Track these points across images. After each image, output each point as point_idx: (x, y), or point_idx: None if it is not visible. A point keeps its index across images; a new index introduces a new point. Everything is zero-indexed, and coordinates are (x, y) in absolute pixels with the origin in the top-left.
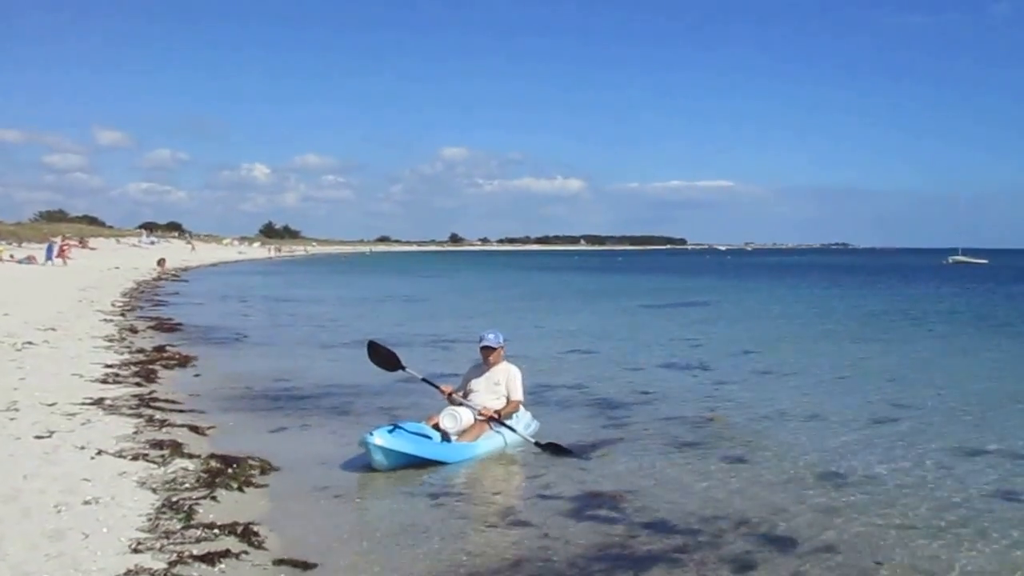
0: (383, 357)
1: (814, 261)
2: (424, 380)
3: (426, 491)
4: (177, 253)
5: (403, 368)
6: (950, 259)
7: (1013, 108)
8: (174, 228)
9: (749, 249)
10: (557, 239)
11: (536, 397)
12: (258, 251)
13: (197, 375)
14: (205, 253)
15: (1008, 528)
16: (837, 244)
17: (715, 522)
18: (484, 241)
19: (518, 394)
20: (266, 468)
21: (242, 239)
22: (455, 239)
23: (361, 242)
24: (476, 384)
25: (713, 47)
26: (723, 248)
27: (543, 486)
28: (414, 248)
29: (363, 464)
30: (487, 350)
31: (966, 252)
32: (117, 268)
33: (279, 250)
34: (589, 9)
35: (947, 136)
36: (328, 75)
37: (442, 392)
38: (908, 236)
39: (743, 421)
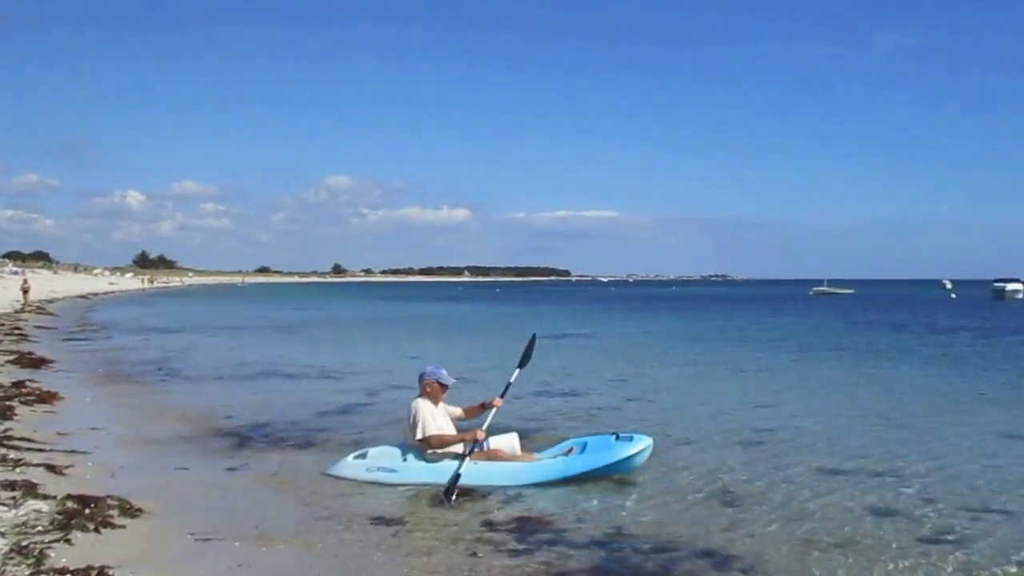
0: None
1: (692, 292)
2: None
3: (319, 531)
4: (44, 284)
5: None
6: (814, 290)
7: (890, 142)
8: (40, 258)
9: (631, 281)
10: (441, 270)
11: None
12: (131, 282)
13: (57, 412)
14: (73, 284)
15: (881, 543)
16: (716, 276)
17: (614, 539)
18: (367, 272)
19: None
20: (127, 508)
21: (114, 269)
22: (337, 270)
23: (240, 272)
24: (442, 418)
25: (599, 77)
26: (606, 279)
27: (456, 514)
28: (295, 279)
29: (243, 506)
30: (446, 388)
31: (831, 283)
32: None
33: (152, 281)
34: (473, 35)
35: (826, 170)
36: (209, 99)
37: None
38: (785, 267)
39: None
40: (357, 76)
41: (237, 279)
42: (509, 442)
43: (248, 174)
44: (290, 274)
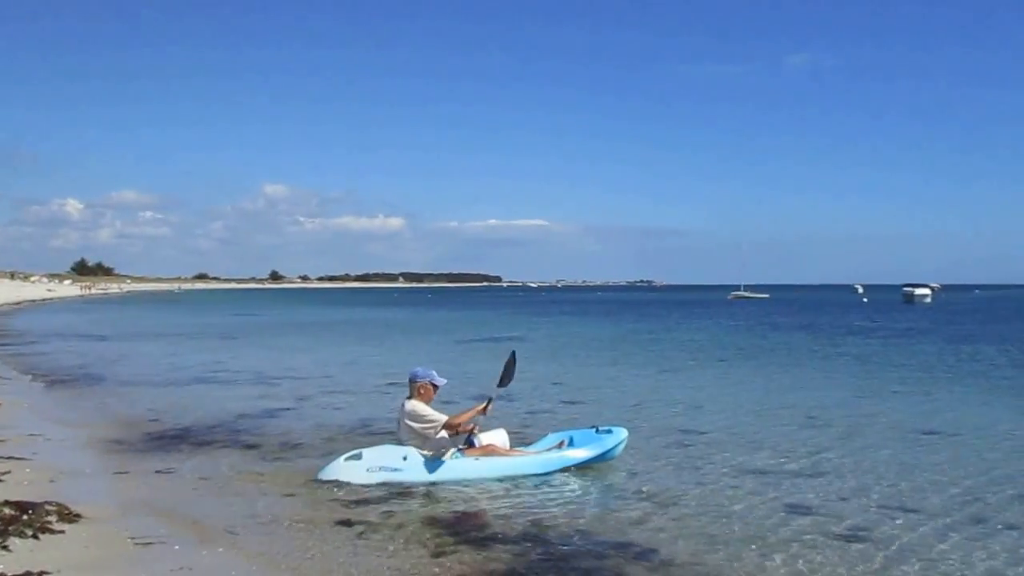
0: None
1: (617, 297)
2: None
3: (262, 533)
4: None
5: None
6: (732, 295)
7: (802, 154)
8: None
9: (560, 286)
10: (377, 276)
11: (366, 428)
12: (69, 289)
13: None
14: (9, 291)
15: (796, 540)
16: (641, 281)
17: (551, 537)
18: (304, 278)
19: None
20: (66, 514)
21: (52, 276)
22: (275, 276)
23: (179, 279)
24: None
25: (529, 94)
26: (535, 285)
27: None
28: (233, 285)
29: (182, 509)
30: (437, 388)
31: (748, 288)
32: None
33: (90, 288)
34: (405, 51)
35: (743, 181)
36: (148, 111)
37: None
38: (705, 273)
39: None
40: (295, 89)
41: (174, 286)
42: (500, 437)
43: (187, 183)
44: (228, 280)
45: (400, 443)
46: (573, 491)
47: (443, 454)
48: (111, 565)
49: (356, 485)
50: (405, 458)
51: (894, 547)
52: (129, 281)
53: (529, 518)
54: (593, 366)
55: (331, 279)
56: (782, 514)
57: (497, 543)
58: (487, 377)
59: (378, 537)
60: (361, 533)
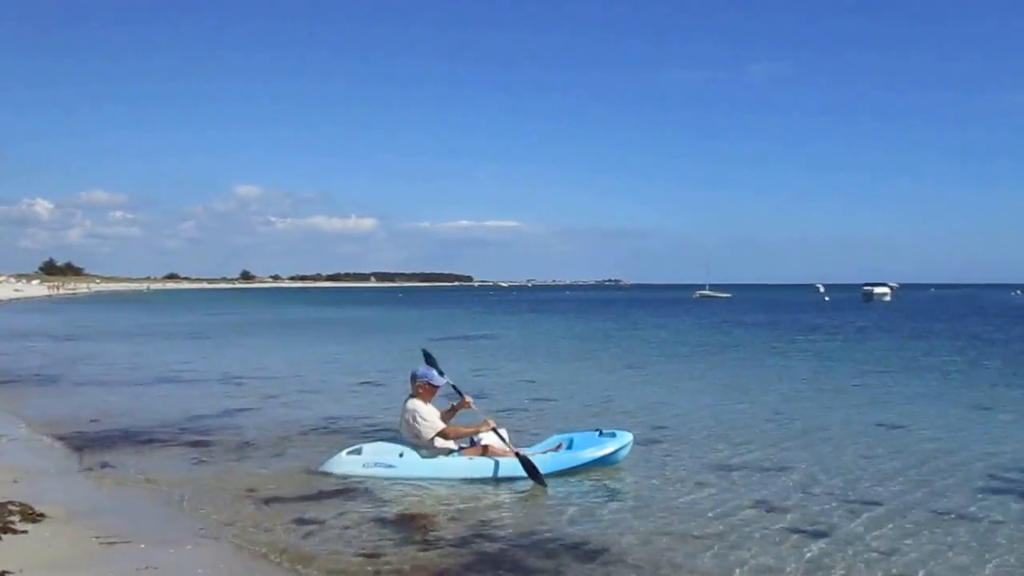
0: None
1: (587, 296)
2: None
3: (224, 533)
4: None
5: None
6: (697, 294)
7: (764, 157)
8: None
9: (530, 286)
10: (348, 276)
11: (330, 426)
12: (37, 289)
13: None
14: None
15: (759, 535)
16: (609, 281)
17: (499, 533)
18: (275, 278)
19: None
20: (29, 513)
21: (20, 276)
22: (246, 276)
23: (149, 279)
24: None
25: (501, 100)
26: (506, 285)
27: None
28: (204, 285)
29: (148, 509)
30: (436, 388)
31: (712, 287)
32: None
33: (58, 288)
34: (377, 57)
35: (706, 183)
36: (120, 109)
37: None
38: (671, 273)
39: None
40: (267, 91)
41: (144, 286)
42: (498, 438)
43: (158, 183)
44: (199, 280)
45: (401, 440)
46: (538, 489)
47: (440, 453)
48: (75, 564)
49: (354, 478)
50: (401, 455)
51: (854, 541)
52: (98, 281)
53: (483, 516)
54: (562, 364)
55: (302, 279)
56: (742, 510)
57: (443, 542)
58: (462, 377)
59: (323, 537)
60: (308, 533)
